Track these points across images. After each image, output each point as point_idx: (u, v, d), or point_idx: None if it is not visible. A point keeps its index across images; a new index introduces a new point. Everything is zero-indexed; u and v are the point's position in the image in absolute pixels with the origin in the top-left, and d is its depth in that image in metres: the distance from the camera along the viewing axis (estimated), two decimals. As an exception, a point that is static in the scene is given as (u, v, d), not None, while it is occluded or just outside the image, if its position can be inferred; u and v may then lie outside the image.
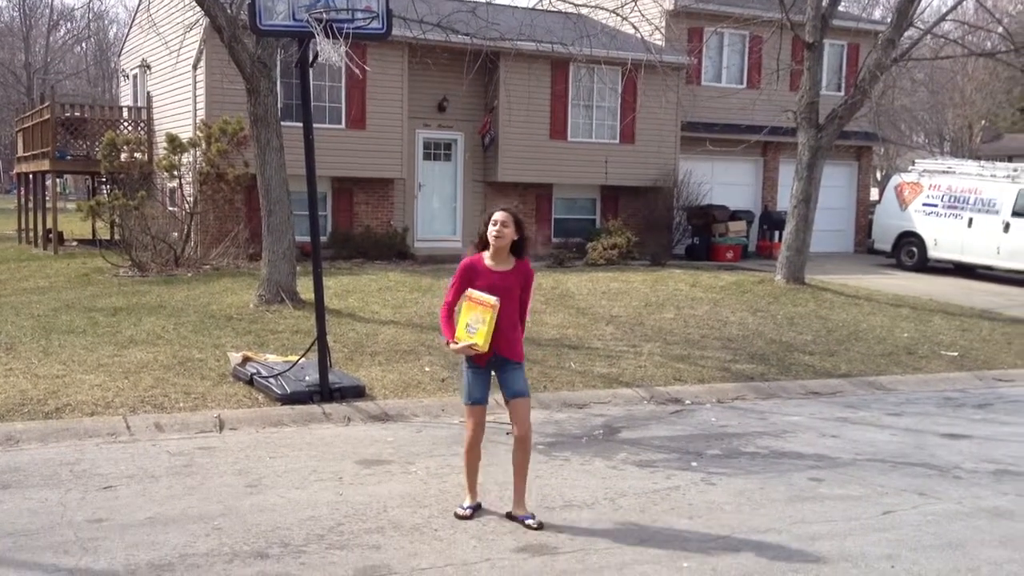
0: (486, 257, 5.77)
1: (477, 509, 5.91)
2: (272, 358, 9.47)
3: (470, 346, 5.64)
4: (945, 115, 42.21)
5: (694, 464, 7.21)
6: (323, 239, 17.89)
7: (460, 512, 5.82)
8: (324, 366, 8.52)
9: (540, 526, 5.65)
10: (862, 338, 12.77)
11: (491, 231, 5.68)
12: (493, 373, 5.84)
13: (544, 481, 6.64)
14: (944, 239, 21.06)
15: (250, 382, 8.75)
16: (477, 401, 5.84)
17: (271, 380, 8.55)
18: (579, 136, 21.33)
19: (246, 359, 9.20)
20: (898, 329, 13.51)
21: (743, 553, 5.40)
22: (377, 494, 6.21)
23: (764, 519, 6.00)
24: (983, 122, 43.87)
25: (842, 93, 22.36)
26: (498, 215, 5.69)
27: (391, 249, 18.99)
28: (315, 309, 8.78)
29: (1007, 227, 19.86)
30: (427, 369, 9.81)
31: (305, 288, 12.34)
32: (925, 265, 21.42)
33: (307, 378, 8.59)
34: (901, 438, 8.28)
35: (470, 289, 5.69)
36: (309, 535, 5.43)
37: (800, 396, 9.98)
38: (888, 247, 22.35)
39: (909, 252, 21.84)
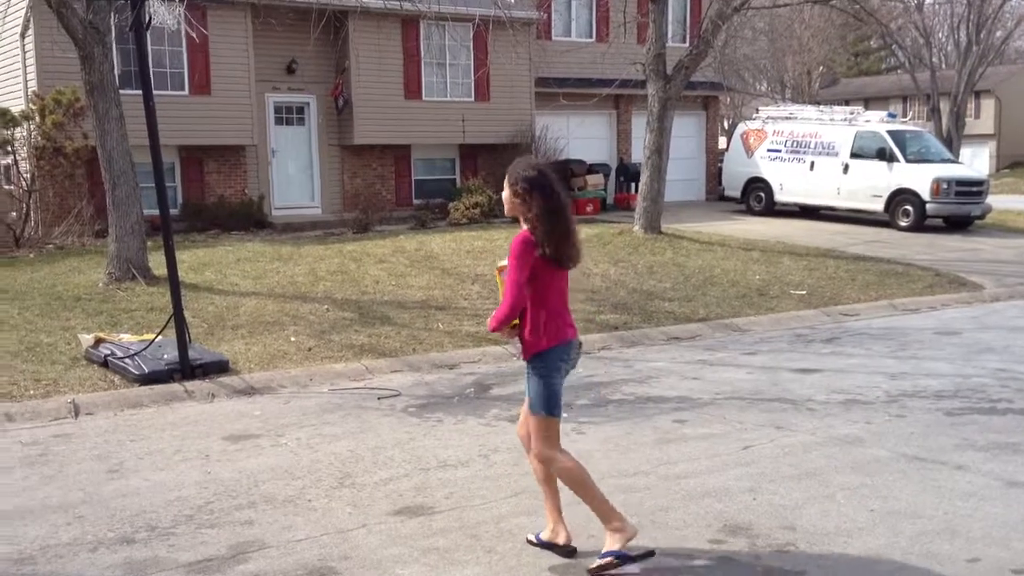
0: None
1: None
2: (127, 338, 9.10)
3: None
4: (785, 63, 43.80)
5: (564, 415, 7.33)
6: (174, 211, 17.25)
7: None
8: (183, 342, 8.25)
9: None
10: (717, 282, 13.23)
11: None
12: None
13: (418, 443, 6.64)
14: (789, 183, 21.97)
15: (105, 364, 8.40)
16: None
17: (127, 360, 8.23)
18: (434, 95, 21.18)
19: (99, 340, 8.81)
20: (750, 272, 14.05)
21: (614, 496, 5.52)
22: (247, 469, 6.08)
23: (632, 463, 6.17)
24: (821, 68, 45.79)
25: (687, 44, 22.90)
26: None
27: (248, 219, 18.48)
28: (169, 284, 8.48)
29: (846, 168, 20.86)
30: (293, 339, 9.63)
31: (157, 263, 11.88)
32: (773, 209, 22.31)
33: (165, 356, 8.30)
34: (757, 376, 8.64)
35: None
36: (177, 516, 5.28)
37: (662, 342, 10.28)
38: (737, 193, 23.17)
39: (757, 197, 22.70)
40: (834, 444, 6.53)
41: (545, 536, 4.80)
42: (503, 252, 13.96)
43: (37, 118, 16.32)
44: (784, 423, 7.06)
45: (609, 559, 4.47)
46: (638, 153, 21.85)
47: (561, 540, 4.73)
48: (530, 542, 4.86)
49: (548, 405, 4.59)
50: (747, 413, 7.35)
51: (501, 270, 4.69)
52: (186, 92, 18.20)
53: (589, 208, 21.89)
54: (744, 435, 6.76)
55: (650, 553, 4.57)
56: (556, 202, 4.51)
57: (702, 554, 4.74)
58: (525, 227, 4.52)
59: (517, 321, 4.57)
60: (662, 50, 16.72)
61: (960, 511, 5.27)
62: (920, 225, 19.67)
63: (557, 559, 4.69)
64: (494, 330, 4.56)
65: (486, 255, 14.68)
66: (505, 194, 4.62)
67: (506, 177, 4.61)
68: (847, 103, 39.92)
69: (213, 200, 18.86)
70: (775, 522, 5.14)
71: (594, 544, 4.72)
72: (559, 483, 4.76)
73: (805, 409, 7.46)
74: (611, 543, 4.52)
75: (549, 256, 4.47)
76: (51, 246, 15.69)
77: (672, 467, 6.08)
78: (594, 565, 4.49)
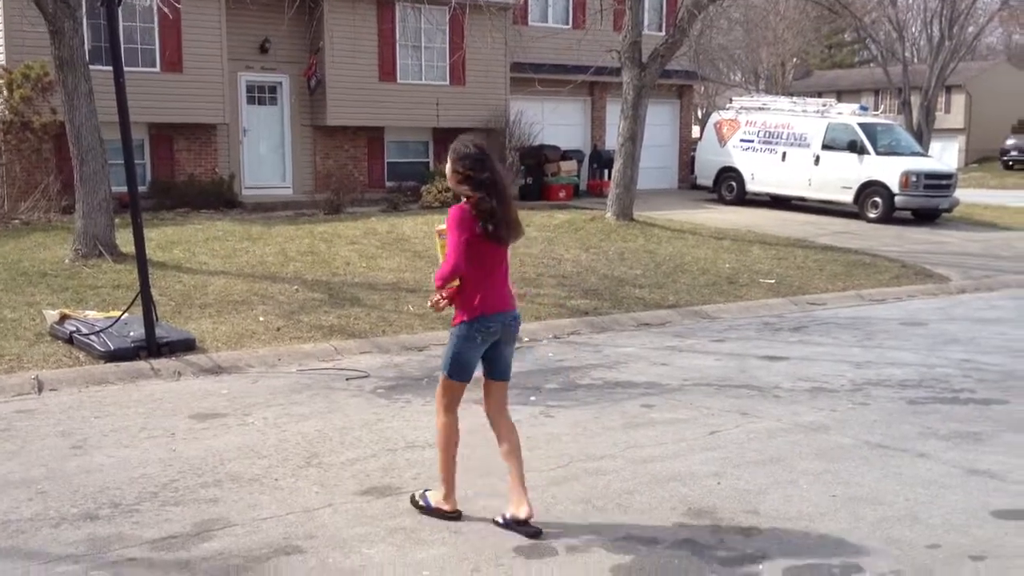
0: None
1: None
2: (93, 314, 9.01)
3: None
4: (760, 53, 44.00)
5: (533, 399, 7.37)
6: (143, 189, 17.09)
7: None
8: (150, 320, 8.18)
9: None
10: (687, 270, 13.29)
11: None
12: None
13: (386, 424, 6.63)
14: (761, 173, 22.08)
15: (70, 340, 8.31)
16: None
17: (92, 337, 8.14)
18: (409, 78, 21.07)
19: (64, 317, 8.71)
20: (720, 260, 14.13)
21: (581, 480, 5.58)
22: (213, 448, 6.05)
23: (600, 446, 6.20)
24: (795, 60, 46.05)
25: (663, 33, 22.92)
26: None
27: (218, 198, 18.32)
28: (137, 262, 8.39)
29: (817, 160, 20.99)
30: (261, 319, 9.57)
31: (125, 241, 11.77)
32: (744, 199, 22.42)
33: (132, 334, 8.23)
34: (725, 363, 8.70)
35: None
36: (141, 493, 5.24)
37: (632, 328, 10.32)
38: (710, 182, 23.25)
39: (729, 187, 22.80)
40: (799, 431, 6.60)
41: (510, 514, 4.84)
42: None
43: (5, 92, 16.08)
44: (750, 409, 7.12)
45: (423, 503, 5.03)
46: (612, 140, 21.87)
47: (523, 515, 4.78)
48: (496, 523, 4.90)
49: (452, 369, 4.84)
50: (714, 399, 7.40)
51: (440, 233, 4.83)
52: (157, 69, 17.98)
53: (562, 194, 21.89)
54: (711, 420, 6.81)
55: (456, 514, 4.95)
56: (495, 179, 4.67)
57: (667, 537, 4.78)
58: (464, 202, 4.68)
59: (458, 282, 4.73)
60: (638, 38, 16.73)
61: (921, 498, 5.34)
62: (888, 217, 19.85)
63: (522, 539, 4.71)
64: (439, 287, 4.74)
65: (458, 239, 14.64)
66: (448, 169, 4.75)
67: (449, 153, 4.74)
68: (820, 95, 40.15)
69: (183, 178, 18.68)
70: (739, 506, 5.19)
71: (558, 527, 4.74)
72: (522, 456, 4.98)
73: (771, 396, 7.53)
74: (432, 498, 5.01)
75: (489, 233, 4.64)
76: (17, 221, 15.48)
77: (639, 451, 6.11)
78: (413, 497, 5.09)
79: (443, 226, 4.77)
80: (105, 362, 7.90)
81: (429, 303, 4.82)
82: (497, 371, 5.00)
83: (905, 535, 4.83)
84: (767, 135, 22.05)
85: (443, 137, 22.08)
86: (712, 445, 6.25)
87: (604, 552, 4.59)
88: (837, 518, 5.04)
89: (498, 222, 4.64)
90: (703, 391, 7.65)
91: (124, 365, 7.87)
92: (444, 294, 4.76)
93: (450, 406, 4.92)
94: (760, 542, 4.73)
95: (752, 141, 22.30)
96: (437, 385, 5.00)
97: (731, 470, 5.76)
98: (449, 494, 4.96)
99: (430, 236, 14.78)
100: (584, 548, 4.63)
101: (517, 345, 8.61)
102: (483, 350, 4.85)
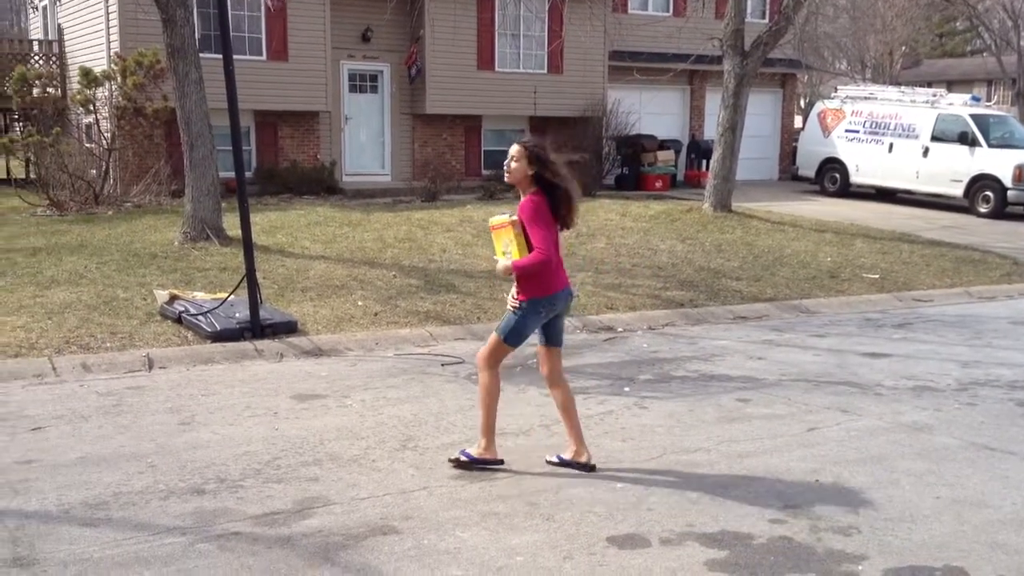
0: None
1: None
2: (200, 296, 9.32)
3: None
4: (867, 41, 42.71)
5: (626, 389, 7.35)
6: (248, 174, 17.53)
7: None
8: (254, 302, 8.42)
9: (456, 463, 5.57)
10: (787, 263, 13.04)
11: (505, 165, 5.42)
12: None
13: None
14: (866, 164, 21.49)
15: (178, 320, 8.61)
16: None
17: (200, 318, 8.43)
18: (507, 66, 21.12)
19: (173, 297, 9.04)
20: (821, 253, 13.82)
21: (675, 472, 5.55)
22: (313, 428, 6.21)
23: (694, 439, 6.15)
24: (903, 48, 44.59)
25: (767, 20, 22.47)
26: (512, 148, 5.36)
27: (319, 184, 18.70)
28: (243, 245, 8.64)
29: (926, 152, 20.33)
30: (360, 304, 9.76)
31: (231, 224, 12.13)
32: (847, 190, 21.86)
33: (237, 315, 8.48)
34: (824, 358, 8.52)
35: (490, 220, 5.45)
36: (246, 470, 5.41)
37: (728, 321, 10.18)
38: (812, 173, 22.73)
39: (832, 178, 22.25)
40: (901, 430, 6.43)
41: (567, 456, 5.54)
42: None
43: (119, 79, 16.65)
44: (851, 407, 6.96)
45: (465, 458, 5.51)
46: (710, 130, 21.58)
47: (583, 459, 5.49)
48: (550, 462, 5.57)
49: (510, 336, 5.38)
50: (813, 395, 7.26)
51: (495, 227, 5.33)
52: (264, 57, 18.42)
53: (658, 184, 21.69)
54: (809, 417, 6.69)
55: (499, 461, 5.50)
56: (564, 172, 5.33)
57: (762, 533, 4.72)
58: (530, 194, 5.26)
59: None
60: (741, 25, 16.44)
61: (1030, 503, 5.15)
62: (1000, 212, 19.10)
63: (615, 529, 4.71)
64: (519, 271, 5.21)
65: (553, 228, 14.65)
66: (517, 165, 5.28)
67: (518, 150, 5.29)
68: (929, 85, 38.80)
69: (286, 165, 19.12)
70: (838, 505, 5.09)
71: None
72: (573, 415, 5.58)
73: (873, 394, 7.35)
74: (473, 450, 5.52)
75: (561, 219, 5.33)
76: (129, 204, 16.08)
77: (734, 445, 6.04)
78: (452, 457, 5.57)
79: (497, 219, 5.30)
80: (211, 342, 8.17)
81: (510, 304, 5.35)
82: (556, 339, 5.53)
83: (1011, 540, 4.67)
84: (873, 125, 21.44)
85: (539, 125, 22.09)
86: (810, 442, 6.14)
87: (698, 546, 4.56)
88: (940, 520, 4.90)
89: (570, 210, 5.32)
90: (801, 387, 7.51)
91: (229, 345, 8.13)
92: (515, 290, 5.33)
93: (495, 365, 5.49)
94: (859, 542, 4.63)
95: (857, 131, 21.71)
96: (486, 345, 5.49)
97: (830, 468, 5.65)
98: (490, 445, 5.50)
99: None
100: (678, 541, 4.61)
101: (611, 336, 8.63)
102: (545, 322, 5.40)
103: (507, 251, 5.30)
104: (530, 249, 5.21)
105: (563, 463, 5.53)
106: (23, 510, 4.81)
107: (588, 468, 5.46)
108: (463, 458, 5.51)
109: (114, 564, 4.25)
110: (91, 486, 5.13)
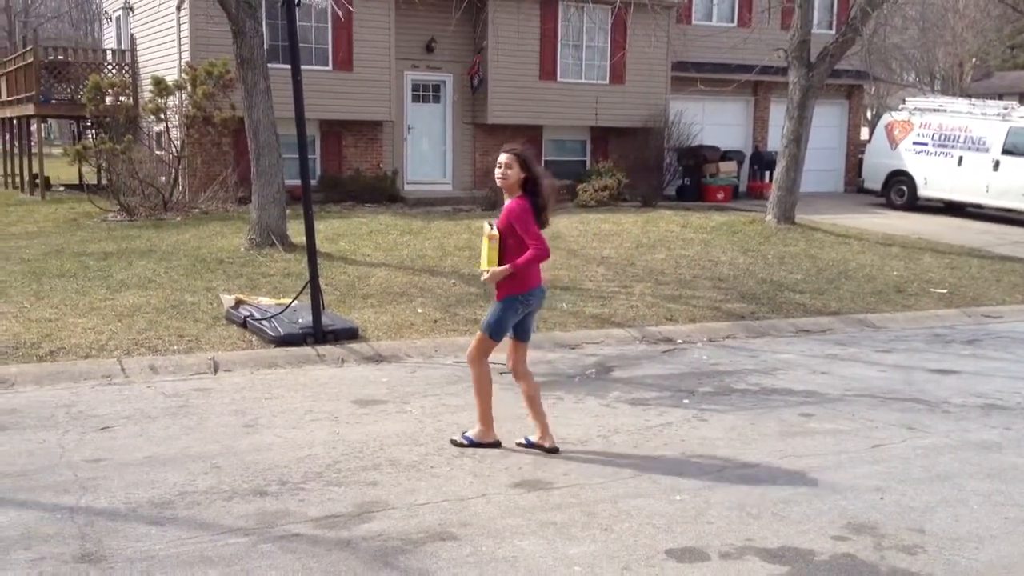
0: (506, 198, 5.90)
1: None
2: (265, 301, 9.47)
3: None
4: (936, 53, 41.96)
5: (686, 401, 7.29)
6: (312, 183, 17.76)
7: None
8: (317, 308, 8.54)
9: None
10: (852, 276, 12.83)
11: (495, 172, 5.82)
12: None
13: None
14: (934, 178, 21.05)
15: (243, 324, 8.76)
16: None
17: (264, 322, 8.56)
18: (569, 77, 21.13)
19: (239, 302, 9.20)
20: (888, 267, 13.58)
21: (735, 486, 5.49)
22: (373, 433, 6.26)
23: (756, 453, 6.08)
24: (974, 60, 43.67)
25: (833, 31, 22.15)
26: (501, 156, 5.79)
27: (381, 192, 18.89)
28: (307, 252, 8.77)
29: (996, 165, 19.85)
30: (420, 311, 9.83)
31: (295, 231, 12.32)
32: (915, 204, 21.44)
33: (300, 320, 8.60)
34: (890, 374, 8.37)
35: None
36: (307, 473, 5.49)
37: (790, 334, 10.05)
38: (878, 186, 22.33)
39: (899, 191, 21.84)
40: (970, 448, 6.28)
41: (534, 439, 6.01)
42: (631, 235, 13.89)
43: (189, 88, 17.02)
44: (917, 424, 6.82)
45: (465, 441, 6.00)
46: (774, 141, 21.33)
47: (547, 444, 5.96)
48: (519, 444, 6.03)
49: (494, 331, 5.82)
50: (878, 411, 7.13)
51: (491, 237, 5.74)
52: (329, 67, 18.69)
53: (720, 195, 21.50)
54: (874, 433, 6.57)
55: (497, 444, 5.98)
56: (544, 176, 5.88)
57: (825, 550, 4.65)
58: (516, 197, 5.74)
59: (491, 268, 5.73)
60: (807, 36, 16.25)
61: (1105, 527, 5.00)
62: (1075, 228, 18.58)
63: (674, 542, 4.67)
64: (518, 269, 5.67)
65: (613, 237, 14.62)
66: (511, 171, 5.73)
67: (510, 158, 5.75)
68: (1000, 97, 37.94)
69: (349, 173, 19.35)
70: (903, 523, 4.99)
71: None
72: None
73: (940, 411, 7.19)
74: (473, 434, 6.01)
75: (540, 220, 5.76)
76: (197, 211, 16.41)
77: (797, 460, 5.96)
78: (455, 438, 6.06)
79: (494, 231, 5.74)
80: (275, 346, 8.30)
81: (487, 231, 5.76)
82: (524, 336, 5.99)
83: (1086, 565, 4.53)
84: (942, 138, 21.01)
85: (601, 136, 22.08)
86: (875, 459, 6.03)
87: (758, 561, 4.50)
88: (1009, 541, 4.78)
89: (546, 211, 5.80)
90: (866, 402, 7.38)
91: (292, 350, 8.24)
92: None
93: (483, 359, 5.90)
94: (924, 561, 4.53)
95: (926, 144, 21.29)
96: (472, 344, 5.93)
97: (895, 485, 5.54)
98: (488, 430, 6.00)
99: (585, 235, 14.82)
100: (737, 555, 4.56)
101: (670, 347, 8.60)
102: (520, 318, 5.84)
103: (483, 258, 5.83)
104: (503, 259, 5.72)
105: (529, 444, 6.02)
106: (92, 507, 4.93)
107: (551, 451, 5.93)
108: (464, 441, 6.00)
109: (179, 562, 4.33)
110: (157, 485, 5.24)
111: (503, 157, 5.77)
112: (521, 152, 5.80)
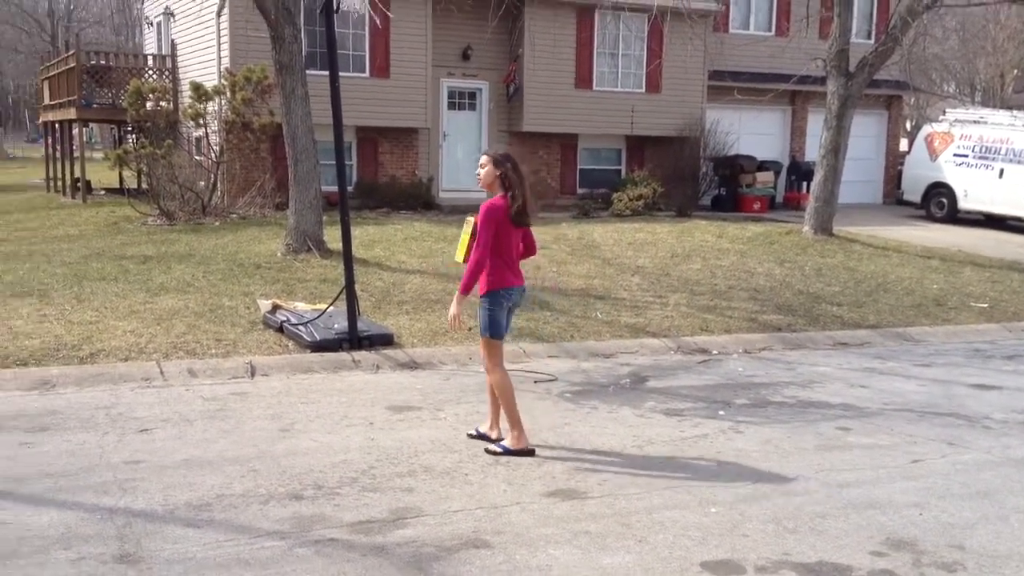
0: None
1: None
2: (301, 306, 9.54)
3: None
4: (976, 64, 41.47)
5: (721, 413, 7.24)
6: (349, 189, 17.86)
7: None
8: (353, 314, 8.58)
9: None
10: (891, 289, 12.70)
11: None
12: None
13: (572, 428, 6.69)
14: (975, 190, 20.80)
15: (280, 329, 8.83)
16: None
17: (301, 328, 8.62)
18: (605, 85, 21.11)
19: (276, 307, 9.27)
20: (927, 280, 13.42)
21: (771, 499, 5.44)
22: (408, 439, 6.28)
23: (792, 466, 6.02)
24: (1015, 71, 43.05)
25: (872, 41, 21.97)
26: (482, 158, 6.12)
27: (416, 199, 18.97)
28: (343, 258, 8.82)
29: (1039, 178, 19.57)
30: (454, 318, 9.83)
31: (332, 237, 12.40)
32: (955, 216, 21.18)
33: (336, 326, 8.65)
34: (930, 388, 8.26)
35: None
36: (342, 478, 5.51)
37: (828, 347, 9.96)
38: (917, 198, 22.10)
39: (939, 203, 21.60)
40: (1011, 465, 6.19)
41: (483, 429, 6.29)
42: (666, 245, 13.88)
43: (228, 93, 17.19)
44: (957, 439, 6.73)
45: (499, 448, 6.02)
46: (812, 151, 21.16)
47: (494, 435, 6.20)
48: (470, 435, 6.29)
49: (492, 330, 6.04)
50: (917, 426, 7.04)
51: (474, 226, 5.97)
52: (367, 74, 18.81)
53: (756, 206, 21.37)
54: (913, 448, 6.48)
55: (532, 451, 6.01)
56: (523, 177, 6.04)
57: (862, 565, 4.59)
58: (497, 196, 5.95)
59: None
60: (845, 46, 16.13)
61: None
62: (1119, 242, 18.27)
63: (709, 554, 4.64)
64: (465, 288, 5.98)
65: (648, 247, 14.58)
66: (488, 170, 6.00)
67: (486, 158, 6.05)
68: (1044, 108, 37.37)
69: (385, 180, 19.45)
70: (942, 540, 4.92)
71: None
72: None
73: (981, 427, 7.09)
74: (508, 441, 6.04)
75: (513, 215, 5.92)
76: (235, 215, 16.57)
77: (834, 475, 5.90)
78: (486, 443, 6.13)
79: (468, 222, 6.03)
80: (311, 351, 8.35)
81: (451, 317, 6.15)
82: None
83: None
84: (983, 150, 20.76)
85: (636, 144, 22.03)
86: (914, 474, 5.95)
87: (795, 575, 4.46)
88: (1053, 562, 4.70)
89: (523, 210, 5.95)
90: (905, 417, 7.29)
91: (328, 355, 8.29)
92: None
93: (498, 362, 6.07)
94: (965, 580, 4.47)
95: (966, 156, 21.04)
96: (482, 353, 6.13)
97: (935, 501, 5.47)
98: (521, 435, 6.02)
99: (620, 244, 14.79)
100: (773, 569, 4.52)
101: (705, 358, 8.57)
102: (506, 313, 6.07)
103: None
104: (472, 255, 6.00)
105: (479, 435, 6.25)
106: (130, 508, 4.98)
107: (497, 442, 6.10)
108: (498, 450, 6.01)
109: (216, 565, 4.36)
110: (195, 488, 5.29)
111: (482, 158, 6.10)
112: (495, 152, 6.10)
